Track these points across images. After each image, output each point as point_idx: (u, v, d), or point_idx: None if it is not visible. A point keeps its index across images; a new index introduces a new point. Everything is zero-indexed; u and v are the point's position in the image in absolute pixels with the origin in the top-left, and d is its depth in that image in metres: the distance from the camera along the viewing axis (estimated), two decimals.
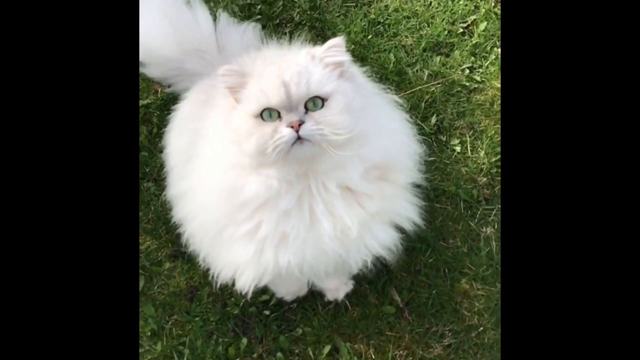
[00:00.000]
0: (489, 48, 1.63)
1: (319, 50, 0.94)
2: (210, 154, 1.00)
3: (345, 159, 0.93)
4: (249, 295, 1.12)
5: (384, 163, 0.99)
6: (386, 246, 1.06)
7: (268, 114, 0.90)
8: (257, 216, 0.97)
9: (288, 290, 1.30)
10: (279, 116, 0.90)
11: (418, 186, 1.11)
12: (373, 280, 1.33)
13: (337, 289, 1.32)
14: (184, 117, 1.18)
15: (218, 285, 1.19)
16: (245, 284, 1.07)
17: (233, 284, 1.10)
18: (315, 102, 0.90)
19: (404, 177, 1.05)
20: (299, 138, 0.88)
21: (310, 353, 1.26)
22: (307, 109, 0.90)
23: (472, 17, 1.67)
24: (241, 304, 1.30)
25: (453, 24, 1.67)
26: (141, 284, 1.34)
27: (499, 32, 1.65)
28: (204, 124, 1.04)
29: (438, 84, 1.58)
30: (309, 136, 0.88)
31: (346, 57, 0.94)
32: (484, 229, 1.39)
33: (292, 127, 0.87)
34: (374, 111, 0.99)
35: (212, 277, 1.12)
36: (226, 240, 1.02)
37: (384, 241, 1.05)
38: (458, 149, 1.48)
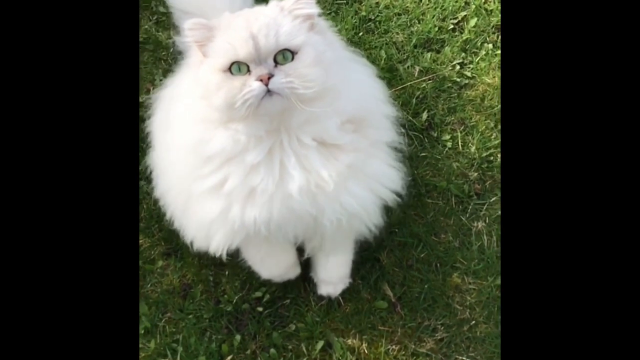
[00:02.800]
0: (479, 44, 1.64)
1: (288, 2, 0.91)
2: (180, 110, 0.98)
3: (318, 113, 0.90)
4: (224, 256, 1.10)
5: (358, 116, 0.96)
6: (364, 205, 1.02)
7: (237, 67, 0.87)
8: (224, 170, 0.95)
9: (271, 271, 1.23)
10: (248, 70, 0.87)
11: (399, 151, 1.09)
12: (365, 276, 1.33)
13: (334, 283, 1.27)
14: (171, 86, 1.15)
15: (195, 250, 1.17)
16: (219, 245, 1.04)
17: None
18: (285, 55, 0.88)
19: (379, 134, 1.03)
20: (268, 91, 0.86)
21: (304, 349, 1.26)
22: (276, 62, 0.88)
23: (463, 14, 1.68)
24: (234, 300, 1.31)
25: (443, 20, 1.68)
26: None
27: (489, 27, 1.66)
28: (179, 84, 1.02)
29: (429, 80, 1.58)
30: (279, 89, 0.86)
31: (316, 10, 0.91)
32: (475, 224, 1.40)
33: (261, 80, 0.85)
34: (344, 65, 0.97)
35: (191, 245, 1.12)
36: (194, 198, 1.00)
37: (361, 198, 1.01)
38: (449, 144, 1.49)
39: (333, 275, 1.27)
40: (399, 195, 1.09)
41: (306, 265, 1.34)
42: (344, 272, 1.28)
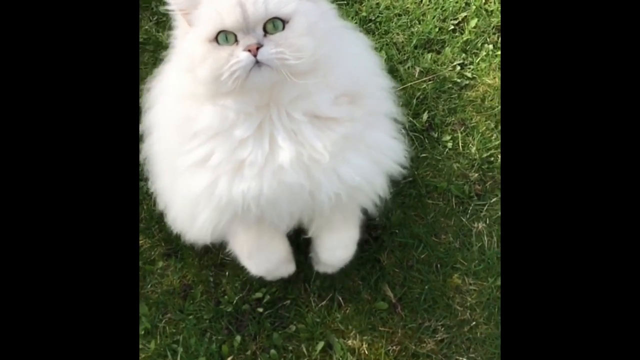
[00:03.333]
0: (479, 45, 1.64)
1: None
2: (164, 85, 0.93)
3: (310, 87, 0.85)
4: (207, 239, 1.05)
5: (352, 90, 0.91)
6: (366, 177, 0.95)
7: (223, 37, 0.82)
8: (210, 144, 0.89)
9: (262, 265, 1.14)
10: (236, 40, 0.82)
11: (398, 123, 1.05)
12: (366, 277, 1.33)
13: (335, 265, 1.17)
14: None
15: (175, 233, 1.14)
16: (203, 225, 0.98)
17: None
18: (275, 24, 0.82)
19: (376, 105, 0.97)
20: (257, 63, 0.81)
21: (304, 350, 1.26)
22: (266, 32, 0.83)
23: (463, 14, 1.68)
24: (235, 301, 1.31)
25: (444, 21, 1.68)
26: None
27: (490, 28, 1.66)
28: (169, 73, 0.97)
29: (429, 80, 1.58)
30: (268, 60, 0.81)
31: None
32: (475, 225, 1.39)
33: (249, 50, 0.80)
34: (338, 35, 0.91)
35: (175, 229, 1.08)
36: (179, 174, 0.95)
37: (362, 169, 0.94)
38: (449, 145, 1.49)
39: (336, 256, 1.18)
40: (402, 167, 1.04)
41: (306, 265, 1.34)
42: (348, 253, 1.18)
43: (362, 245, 1.36)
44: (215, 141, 0.89)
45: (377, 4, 1.70)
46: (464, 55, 1.62)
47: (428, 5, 1.69)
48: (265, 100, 0.87)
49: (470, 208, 1.41)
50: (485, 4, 1.70)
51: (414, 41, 1.63)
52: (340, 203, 0.97)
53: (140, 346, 1.27)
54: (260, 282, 1.32)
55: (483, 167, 1.46)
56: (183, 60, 0.87)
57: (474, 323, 1.29)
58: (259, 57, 0.81)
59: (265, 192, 0.90)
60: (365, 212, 1.17)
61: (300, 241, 1.32)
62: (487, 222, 1.40)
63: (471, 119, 1.53)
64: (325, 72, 0.87)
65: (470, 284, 1.33)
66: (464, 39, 1.64)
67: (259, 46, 0.81)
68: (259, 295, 1.31)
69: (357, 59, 0.95)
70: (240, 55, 0.81)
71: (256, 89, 0.85)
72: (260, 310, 1.30)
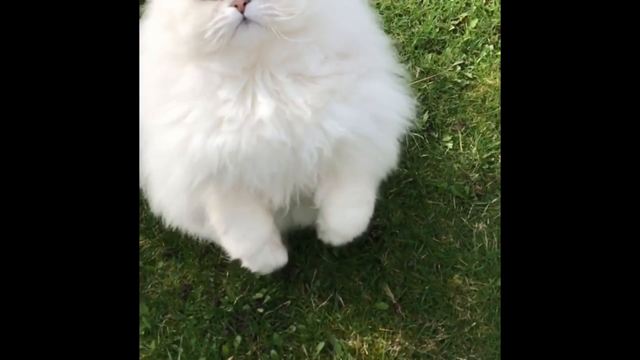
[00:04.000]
0: (480, 45, 1.64)
1: None
2: (141, 43, 0.87)
3: (301, 47, 0.80)
4: (185, 215, 0.99)
5: (346, 49, 0.85)
6: (356, 129, 0.86)
7: None
8: (189, 104, 0.83)
9: (241, 244, 1.01)
10: None
11: (400, 77, 0.98)
12: (366, 277, 1.33)
13: (345, 235, 1.05)
14: None
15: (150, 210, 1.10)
16: (175, 184, 0.89)
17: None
18: None
19: (371, 60, 0.90)
20: (244, 20, 0.75)
21: (304, 350, 1.26)
22: None
23: (464, 14, 1.68)
24: (235, 302, 1.31)
25: (444, 21, 1.67)
26: None
27: (490, 28, 1.66)
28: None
29: (430, 81, 1.58)
30: (256, 17, 0.75)
31: None
32: (476, 225, 1.39)
33: (235, 6, 0.75)
34: None
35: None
36: (155, 133, 0.89)
37: (348, 120, 0.85)
38: (450, 145, 1.49)
39: (347, 218, 1.02)
40: (410, 122, 0.95)
41: (306, 265, 1.34)
42: (361, 215, 1.04)
43: (363, 245, 1.36)
44: (196, 101, 0.83)
45: (378, 4, 1.70)
46: (464, 55, 1.62)
47: (428, 5, 1.69)
48: (252, 61, 0.81)
49: (471, 208, 1.41)
50: (485, 4, 1.70)
51: (415, 41, 1.63)
52: (328, 162, 0.89)
53: (141, 346, 1.27)
54: (261, 283, 1.32)
55: (484, 167, 1.46)
56: (162, 16, 0.82)
57: (474, 324, 1.29)
58: (246, 13, 0.76)
59: (243, 149, 0.82)
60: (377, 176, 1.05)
61: (300, 242, 1.32)
62: (488, 222, 1.40)
63: (472, 119, 1.53)
64: (318, 30, 0.81)
65: (471, 285, 1.33)
66: (465, 39, 1.64)
67: (246, 1, 0.76)
68: (259, 295, 1.31)
69: (352, 15, 0.89)
70: (226, 11, 0.76)
71: (243, 48, 0.79)
72: (261, 310, 1.30)
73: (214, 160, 0.83)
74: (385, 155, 0.97)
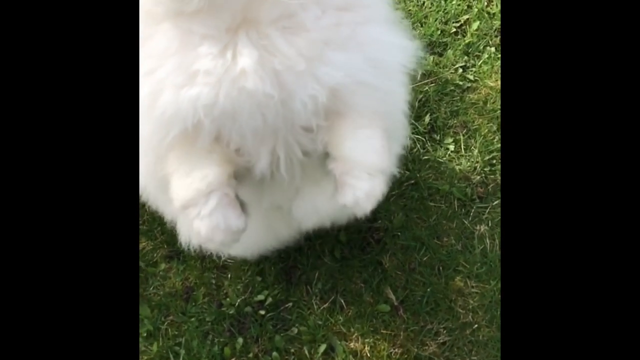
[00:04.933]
0: (482, 47, 1.64)
1: None
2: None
3: (295, 5, 0.72)
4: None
5: (345, 3, 0.78)
6: (350, 73, 0.77)
7: None
8: (162, 59, 0.75)
9: (184, 188, 0.83)
10: None
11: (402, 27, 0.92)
12: (368, 279, 1.33)
13: (367, 174, 0.83)
14: None
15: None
16: (143, 141, 0.78)
17: None
18: None
19: (372, 12, 0.82)
20: None
21: (306, 352, 1.26)
22: None
23: (465, 17, 1.68)
24: (237, 303, 1.31)
25: (446, 23, 1.68)
26: None
27: (492, 31, 1.66)
28: None
29: (431, 83, 1.58)
30: None
31: None
32: (477, 227, 1.39)
33: None
34: None
35: None
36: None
37: (343, 65, 0.77)
38: (452, 147, 1.49)
39: (363, 144, 0.84)
40: (413, 69, 0.87)
41: (308, 266, 1.34)
42: (378, 144, 0.85)
43: (364, 247, 1.36)
44: (169, 59, 0.75)
45: None
46: (466, 57, 1.62)
47: (430, 8, 1.70)
48: (238, 21, 0.73)
49: (473, 211, 1.41)
50: (487, 6, 1.70)
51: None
52: (328, 108, 0.80)
53: (143, 348, 1.28)
54: (263, 285, 1.32)
55: (485, 169, 1.46)
56: None
57: (476, 326, 1.29)
58: None
59: (220, 102, 0.73)
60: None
61: (302, 244, 1.32)
62: (489, 224, 1.40)
63: (473, 121, 1.53)
64: None
65: (472, 287, 1.33)
66: (466, 41, 1.64)
67: None
68: (261, 297, 1.31)
69: None
70: None
71: (228, 7, 0.71)
72: (262, 312, 1.30)
73: (187, 115, 0.74)
74: (389, 96, 0.85)
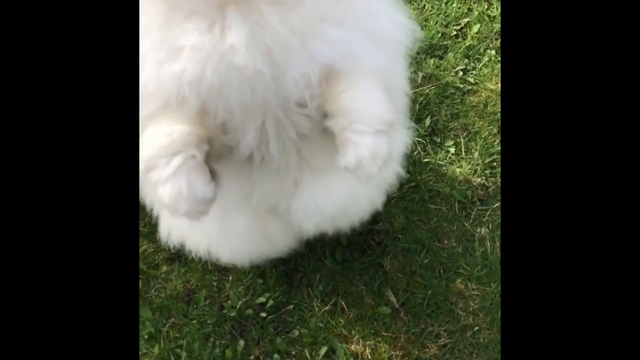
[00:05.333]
0: (482, 50, 1.64)
1: None
2: None
3: None
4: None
5: None
6: (342, 50, 0.74)
7: None
8: (143, 34, 0.71)
9: (148, 145, 0.75)
10: None
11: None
12: (369, 282, 1.34)
13: (369, 129, 0.75)
14: None
15: None
16: None
17: None
18: None
19: None
20: None
21: (307, 354, 1.27)
22: None
23: (465, 20, 1.69)
24: (238, 306, 1.31)
25: (446, 26, 1.68)
26: (138, 287, 1.35)
27: (492, 34, 1.66)
28: None
29: (432, 86, 1.59)
30: None
31: None
32: (478, 230, 1.40)
33: None
34: None
35: None
36: None
37: (338, 42, 0.73)
38: (452, 150, 1.49)
39: (368, 102, 0.77)
40: (411, 47, 0.84)
41: (309, 269, 1.34)
42: (384, 106, 0.77)
43: (365, 250, 1.37)
44: (149, 35, 0.71)
45: None
46: (466, 60, 1.63)
47: (431, 11, 1.70)
48: None
49: (473, 213, 1.41)
50: (487, 9, 1.70)
51: (417, 47, 1.64)
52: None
53: (144, 351, 1.28)
54: (264, 287, 1.33)
55: (486, 172, 1.46)
56: None
57: (476, 328, 1.29)
58: None
59: (208, 78, 0.69)
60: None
61: (303, 247, 1.32)
62: (490, 227, 1.40)
63: (474, 124, 1.53)
64: None
65: (473, 289, 1.33)
66: (467, 44, 1.64)
67: None
68: (262, 300, 1.32)
69: None
70: None
71: None
72: (264, 315, 1.30)
73: (171, 91, 0.71)
74: (388, 73, 0.80)
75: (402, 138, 1.02)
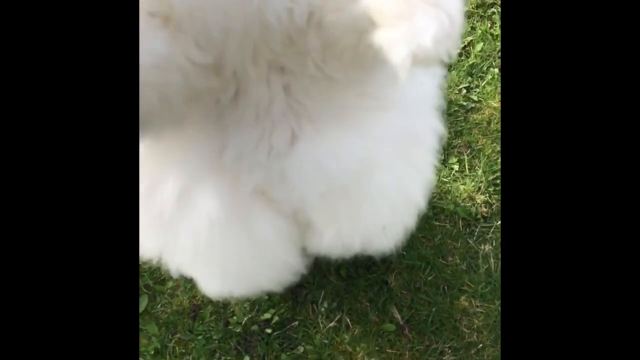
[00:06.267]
0: (485, 68, 1.66)
1: None
2: None
3: None
4: None
5: None
6: None
7: None
8: None
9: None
10: None
11: None
12: (373, 298, 1.34)
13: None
14: None
15: None
16: None
17: None
18: None
19: None
20: None
21: None
22: None
23: (469, 38, 1.71)
24: (243, 322, 1.32)
25: None
26: (145, 302, 1.36)
27: (495, 52, 1.68)
28: None
29: None
30: None
31: None
32: (482, 247, 1.41)
33: None
34: None
35: None
36: None
37: None
38: (456, 167, 1.51)
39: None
40: None
41: (314, 285, 1.35)
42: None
43: (370, 267, 1.38)
44: None
45: None
46: (469, 78, 1.65)
47: None
48: None
49: (477, 230, 1.42)
50: (490, 28, 1.73)
51: None
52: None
53: None
54: (269, 303, 1.33)
55: (489, 189, 1.47)
56: None
57: (480, 345, 1.30)
58: None
59: None
60: None
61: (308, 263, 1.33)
62: (494, 244, 1.41)
63: (477, 141, 1.55)
64: None
65: (477, 307, 1.34)
66: (470, 62, 1.66)
67: None
68: (267, 316, 1.32)
69: None
70: None
71: None
72: (269, 331, 1.31)
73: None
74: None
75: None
